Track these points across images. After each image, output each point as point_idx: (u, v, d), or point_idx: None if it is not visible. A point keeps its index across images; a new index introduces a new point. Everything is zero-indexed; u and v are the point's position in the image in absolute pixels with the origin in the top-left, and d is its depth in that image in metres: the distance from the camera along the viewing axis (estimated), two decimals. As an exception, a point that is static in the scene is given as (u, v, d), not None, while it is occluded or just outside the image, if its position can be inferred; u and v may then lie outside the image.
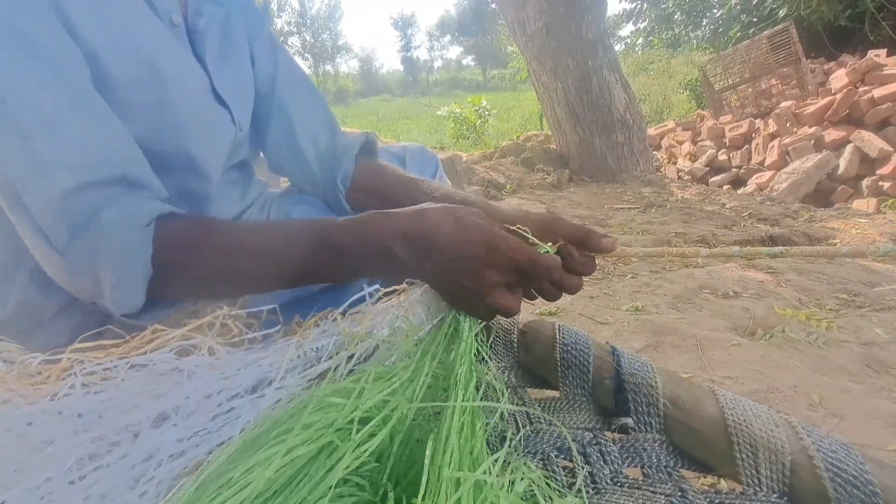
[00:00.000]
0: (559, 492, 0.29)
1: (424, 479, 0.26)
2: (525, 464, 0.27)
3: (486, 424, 0.35)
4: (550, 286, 0.47)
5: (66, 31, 0.45)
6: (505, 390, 0.43)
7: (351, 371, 0.39)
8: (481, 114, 7.84)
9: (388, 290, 0.50)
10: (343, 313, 0.48)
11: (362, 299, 0.50)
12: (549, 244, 0.48)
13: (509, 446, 0.30)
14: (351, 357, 0.40)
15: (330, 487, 0.25)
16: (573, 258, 0.47)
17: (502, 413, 0.44)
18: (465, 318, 0.44)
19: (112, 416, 0.28)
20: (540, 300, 0.49)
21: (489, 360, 0.46)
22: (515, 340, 0.58)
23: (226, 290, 0.50)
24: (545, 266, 0.43)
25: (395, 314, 0.46)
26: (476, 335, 0.44)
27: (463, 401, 0.33)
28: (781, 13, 5.70)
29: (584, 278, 0.49)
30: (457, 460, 0.27)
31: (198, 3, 0.59)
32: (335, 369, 0.39)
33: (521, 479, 0.26)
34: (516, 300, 0.43)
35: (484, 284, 0.41)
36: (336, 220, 0.47)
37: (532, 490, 0.27)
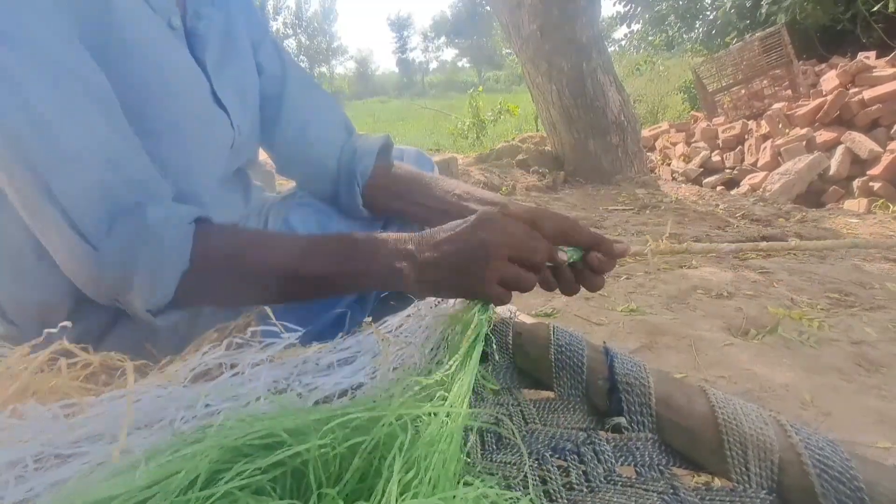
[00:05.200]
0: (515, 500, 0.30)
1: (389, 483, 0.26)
2: (482, 480, 0.28)
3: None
4: (567, 279, 0.52)
5: (70, 28, 0.45)
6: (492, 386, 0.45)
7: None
8: (499, 113, 7.67)
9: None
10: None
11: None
12: (572, 249, 0.52)
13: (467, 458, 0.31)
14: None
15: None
16: (593, 263, 0.52)
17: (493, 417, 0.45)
18: (477, 305, 0.48)
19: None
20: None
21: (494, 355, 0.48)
22: (510, 342, 0.59)
23: (249, 292, 0.53)
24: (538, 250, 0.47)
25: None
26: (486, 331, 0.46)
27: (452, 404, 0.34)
28: (781, 19, 5.72)
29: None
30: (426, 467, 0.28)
31: (196, 5, 0.59)
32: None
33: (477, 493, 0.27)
34: (508, 294, 0.48)
35: (484, 279, 0.45)
36: (353, 236, 0.51)
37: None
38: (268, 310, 0.48)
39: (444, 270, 0.47)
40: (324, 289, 0.52)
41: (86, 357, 0.44)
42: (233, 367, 0.41)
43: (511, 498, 0.28)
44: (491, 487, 0.28)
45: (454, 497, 0.27)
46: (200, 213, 0.49)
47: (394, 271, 0.48)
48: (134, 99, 0.50)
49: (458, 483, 0.30)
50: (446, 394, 0.37)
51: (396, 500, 0.25)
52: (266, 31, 0.71)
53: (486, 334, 0.47)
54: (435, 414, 0.33)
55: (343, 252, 0.49)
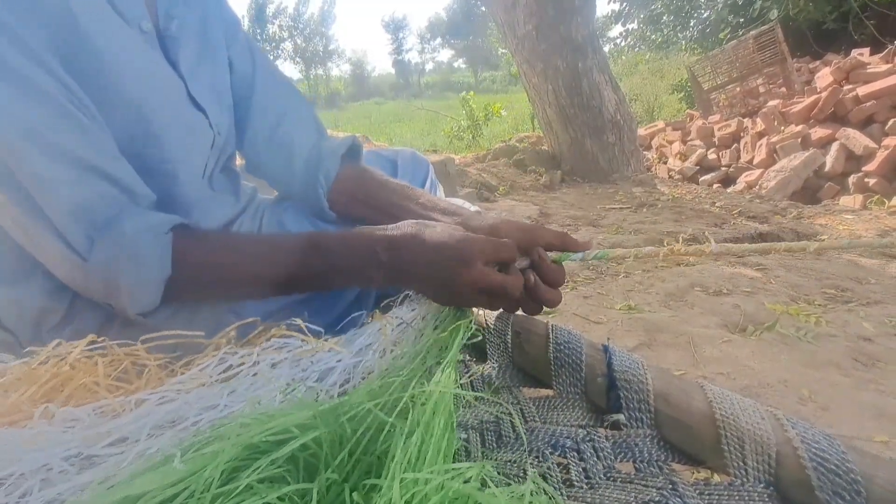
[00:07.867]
0: (508, 481, 0.32)
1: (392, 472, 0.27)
2: (483, 465, 0.30)
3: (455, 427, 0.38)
4: (528, 301, 0.54)
5: (39, 45, 0.45)
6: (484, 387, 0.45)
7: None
8: (487, 116, 7.79)
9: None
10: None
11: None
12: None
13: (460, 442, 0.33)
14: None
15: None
16: (546, 268, 0.53)
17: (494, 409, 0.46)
18: (455, 311, 0.52)
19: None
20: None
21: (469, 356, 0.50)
22: (509, 341, 0.59)
23: (231, 293, 0.56)
24: (506, 285, 0.50)
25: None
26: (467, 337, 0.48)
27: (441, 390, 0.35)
28: (773, 14, 5.74)
29: (562, 291, 0.56)
30: (422, 450, 0.29)
31: (168, 7, 0.58)
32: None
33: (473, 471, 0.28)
34: (493, 301, 0.51)
35: (461, 289, 0.48)
36: (328, 231, 0.55)
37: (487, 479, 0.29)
38: (300, 321, 0.50)
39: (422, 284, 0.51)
40: (294, 287, 0.55)
41: (115, 354, 0.45)
42: (253, 364, 0.42)
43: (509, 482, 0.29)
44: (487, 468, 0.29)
45: (457, 469, 0.27)
46: (177, 221, 0.50)
47: (361, 277, 0.52)
48: (112, 109, 0.50)
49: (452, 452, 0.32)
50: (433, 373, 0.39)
51: (402, 471, 0.27)
52: (238, 26, 0.69)
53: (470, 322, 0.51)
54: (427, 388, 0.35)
55: (307, 255, 0.52)
